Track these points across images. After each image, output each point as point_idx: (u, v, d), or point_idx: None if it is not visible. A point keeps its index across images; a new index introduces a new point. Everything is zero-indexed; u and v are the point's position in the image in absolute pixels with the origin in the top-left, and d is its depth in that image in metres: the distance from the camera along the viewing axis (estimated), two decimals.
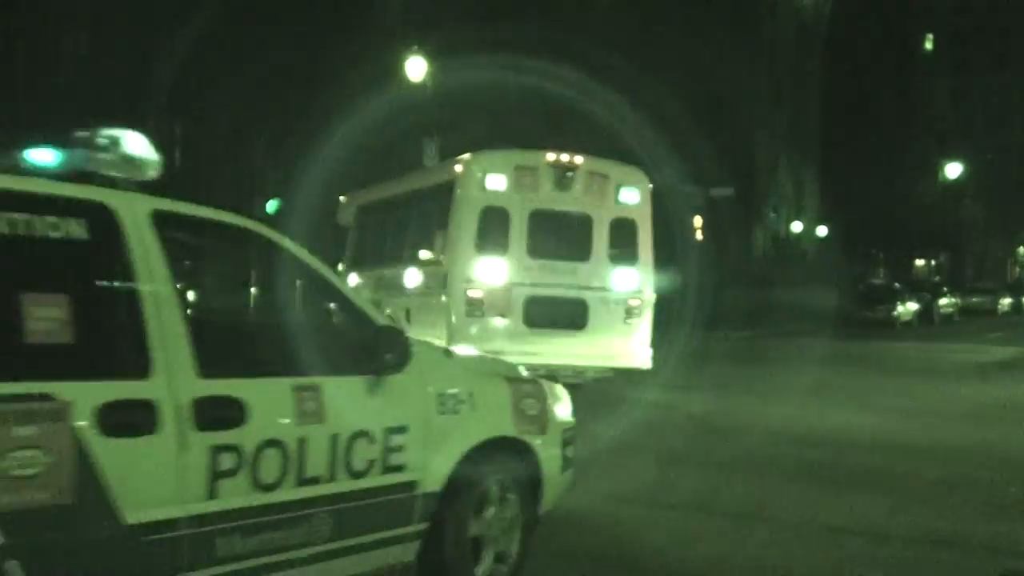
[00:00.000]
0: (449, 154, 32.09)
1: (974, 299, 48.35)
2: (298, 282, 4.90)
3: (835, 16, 64.80)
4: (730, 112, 46.25)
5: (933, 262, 73.88)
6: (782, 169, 59.04)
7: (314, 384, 4.33)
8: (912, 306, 37.98)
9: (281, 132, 37.72)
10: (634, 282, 12.20)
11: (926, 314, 38.96)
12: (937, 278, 57.38)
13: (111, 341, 3.88)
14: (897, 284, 42.08)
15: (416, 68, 30.42)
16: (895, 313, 36.02)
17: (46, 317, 3.62)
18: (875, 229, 61.37)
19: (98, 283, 3.94)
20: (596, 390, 14.68)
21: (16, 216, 3.64)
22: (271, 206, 35.95)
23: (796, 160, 61.24)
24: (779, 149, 58.38)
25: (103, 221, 3.89)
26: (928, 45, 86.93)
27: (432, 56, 30.21)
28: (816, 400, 14.56)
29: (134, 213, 4.00)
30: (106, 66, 46.44)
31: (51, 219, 3.74)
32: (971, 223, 66.01)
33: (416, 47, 30.04)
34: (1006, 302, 50.60)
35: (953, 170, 59.48)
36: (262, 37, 40.00)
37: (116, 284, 3.93)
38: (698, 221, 33.76)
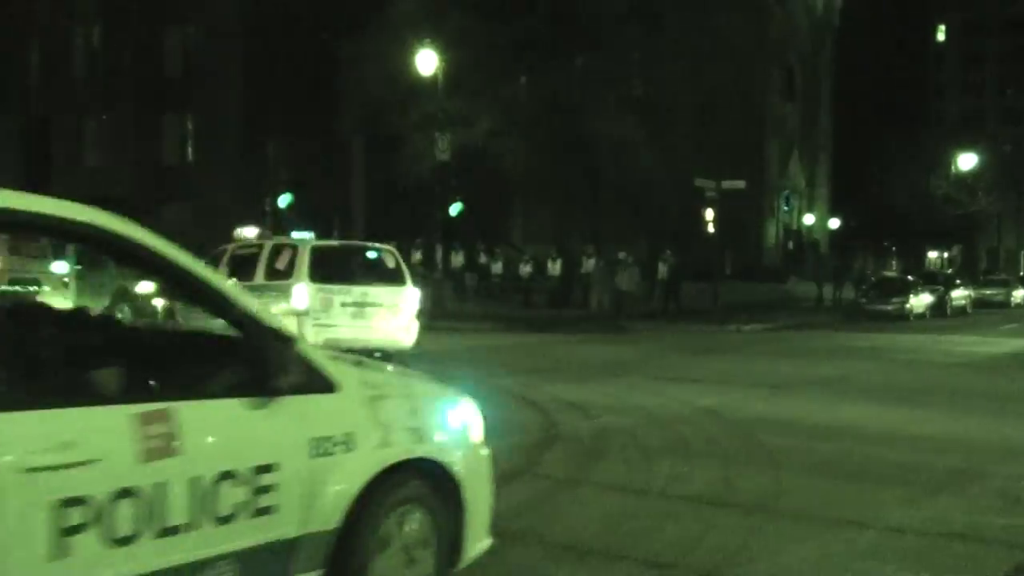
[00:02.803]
0: (456, 147, 32.12)
1: (987, 291, 48.09)
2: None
3: (846, 7, 64.57)
4: (742, 104, 46.17)
5: (946, 254, 73.62)
6: (794, 161, 58.89)
7: None
8: (925, 298, 37.80)
9: (293, 126, 37.71)
10: None
11: (939, 306, 38.75)
12: (950, 270, 57.10)
13: None
14: (910, 276, 41.90)
15: (427, 61, 30.34)
16: (908, 305, 35.87)
17: None
18: (887, 221, 61.17)
19: None
20: (607, 384, 14.69)
21: None
22: (283, 201, 35.98)
23: (808, 152, 61.09)
24: (791, 141, 58.23)
25: None
26: (940, 36, 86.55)
27: (443, 49, 30.16)
28: (828, 392, 14.54)
29: None
30: (119, 61, 46.54)
31: None
32: (984, 215, 65.70)
33: (427, 40, 29.99)
34: (1019, 294, 50.31)
35: (966, 162, 59.19)
36: (274, 31, 40.03)
37: None
38: (709, 214, 33.69)
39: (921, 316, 36.26)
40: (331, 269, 15.14)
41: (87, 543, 3.23)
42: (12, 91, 49.89)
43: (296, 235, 27.95)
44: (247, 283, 15.14)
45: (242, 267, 15.75)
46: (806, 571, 5.96)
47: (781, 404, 13.16)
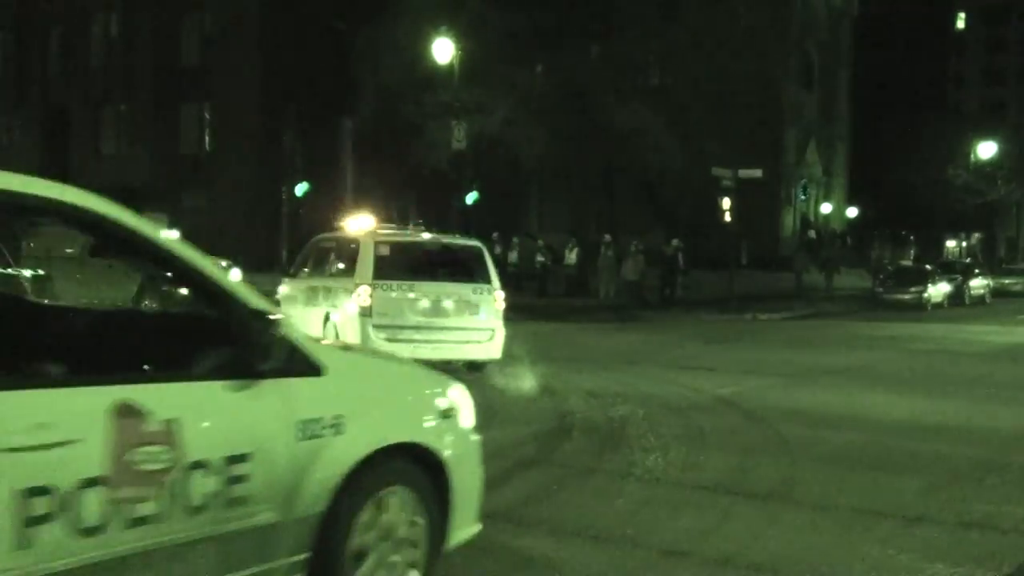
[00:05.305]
0: (472, 136, 32.11)
1: (1006, 280, 47.72)
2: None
3: None
4: (759, 92, 45.91)
5: (964, 243, 73.16)
6: (811, 150, 58.58)
7: None
8: (943, 287, 37.57)
9: (310, 114, 37.69)
10: None
11: (957, 295, 38.52)
12: (969, 259, 56.70)
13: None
14: (928, 265, 41.65)
15: (443, 50, 30.31)
16: (926, 295, 35.68)
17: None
18: (906, 210, 60.83)
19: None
20: (623, 373, 14.70)
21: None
22: (300, 189, 36.04)
23: (826, 141, 60.76)
24: (809, 130, 57.91)
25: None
26: (960, 24, 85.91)
27: (459, 37, 30.12)
28: (845, 381, 14.50)
29: None
30: (136, 49, 46.66)
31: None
32: (1004, 204, 65.23)
33: (444, 28, 29.95)
34: None
35: (986, 150, 58.76)
36: (291, 19, 40.05)
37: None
38: (726, 203, 33.56)
39: (939, 305, 36.07)
40: (401, 266, 13.45)
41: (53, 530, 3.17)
42: (31, 80, 50.10)
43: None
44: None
45: (319, 263, 14.87)
46: (822, 560, 5.94)
47: (797, 393, 13.14)
